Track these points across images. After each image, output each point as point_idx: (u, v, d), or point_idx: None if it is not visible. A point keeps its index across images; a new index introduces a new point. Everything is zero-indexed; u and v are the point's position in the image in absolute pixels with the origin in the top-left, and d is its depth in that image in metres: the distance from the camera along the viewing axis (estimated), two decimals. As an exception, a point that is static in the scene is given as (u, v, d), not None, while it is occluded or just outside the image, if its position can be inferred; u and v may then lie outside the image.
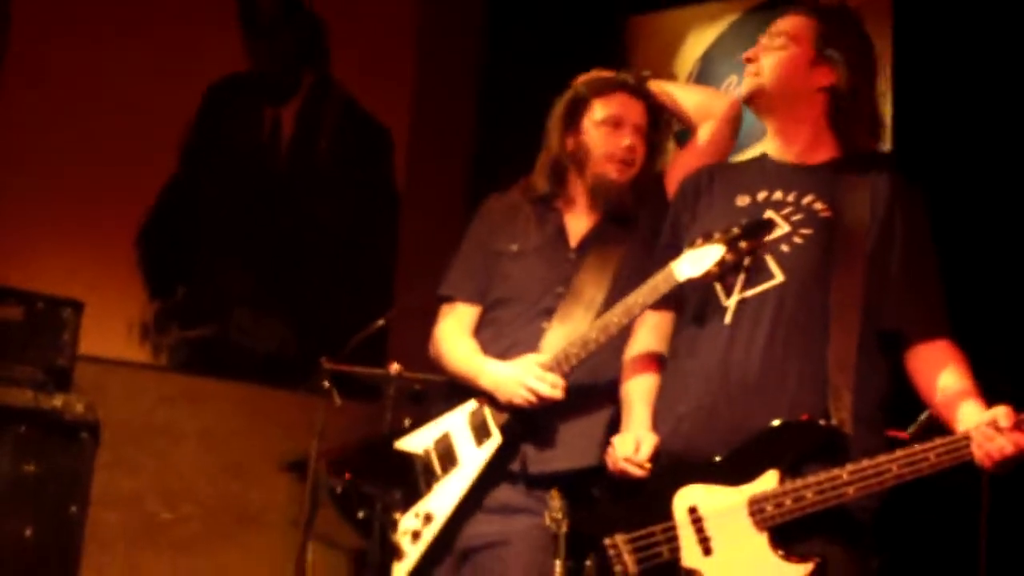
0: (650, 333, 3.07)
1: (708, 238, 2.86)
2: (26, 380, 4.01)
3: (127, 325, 5.05)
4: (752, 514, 2.64)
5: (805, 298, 2.79)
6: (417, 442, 3.28)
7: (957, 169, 4.59)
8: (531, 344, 3.21)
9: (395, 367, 4.10)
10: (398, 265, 5.80)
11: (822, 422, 2.66)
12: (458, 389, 3.29)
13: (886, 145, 4.98)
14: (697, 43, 5.75)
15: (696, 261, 2.88)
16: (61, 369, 4.09)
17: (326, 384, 4.26)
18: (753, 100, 2.98)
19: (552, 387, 3.08)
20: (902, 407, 2.97)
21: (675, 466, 2.78)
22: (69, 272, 4.82)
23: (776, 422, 2.68)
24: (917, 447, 2.57)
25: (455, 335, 3.36)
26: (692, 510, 2.71)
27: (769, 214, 2.87)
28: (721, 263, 2.83)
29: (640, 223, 3.32)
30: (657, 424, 2.88)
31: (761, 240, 2.82)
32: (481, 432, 3.19)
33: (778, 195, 2.90)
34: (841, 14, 3.04)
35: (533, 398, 3.09)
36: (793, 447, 2.67)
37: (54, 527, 3.94)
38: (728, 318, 2.82)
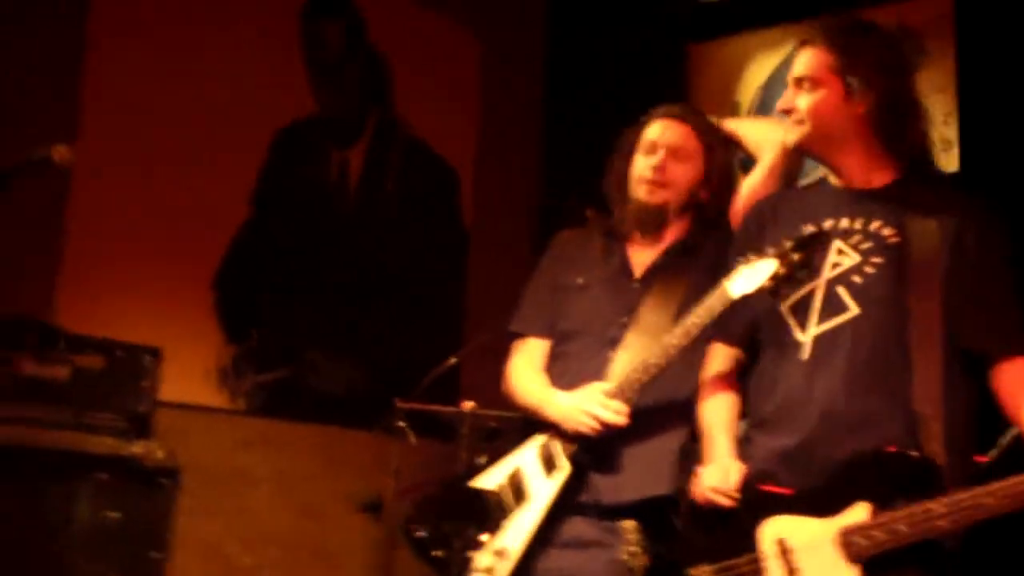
0: (722, 364, 3.05)
1: (760, 254, 2.87)
2: (107, 428, 4.05)
3: (204, 371, 5.11)
4: (843, 546, 2.60)
5: (883, 329, 2.76)
6: (491, 479, 3.30)
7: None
8: (598, 374, 3.23)
9: (468, 405, 4.11)
10: (468, 303, 5.84)
11: (913, 453, 2.63)
12: (531, 424, 3.32)
13: (953, 165, 4.97)
14: (759, 70, 5.74)
15: (749, 277, 2.89)
16: (141, 416, 4.12)
17: (400, 424, 4.29)
18: (804, 148, 2.97)
19: (616, 413, 3.11)
20: (982, 429, 2.94)
21: (762, 497, 2.76)
22: (148, 320, 4.87)
23: (863, 453, 2.65)
24: (1014, 479, 2.50)
25: (526, 370, 3.40)
26: (780, 542, 2.68)
27: (838, 244, 2.86)
28: (775, 277, 2.84)
29: (704, 252, 3.32)
30: (742, 458, 2.87)
31: (814, 251, 2.82)
32: (550, 464, 3.21)
33: (844, 223, 2.88)
34: (854, 30, 2.98)
35: (597, 425, 3.12)
36: (883, 479, 2.63)
37: (136, 574, 3.98)
38: (806, 354, 2.81)
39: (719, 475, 2.81)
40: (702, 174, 3.36)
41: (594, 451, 3.17)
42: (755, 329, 2.99)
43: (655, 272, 3.35)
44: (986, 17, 4.91)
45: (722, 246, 3.22)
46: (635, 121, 3.48)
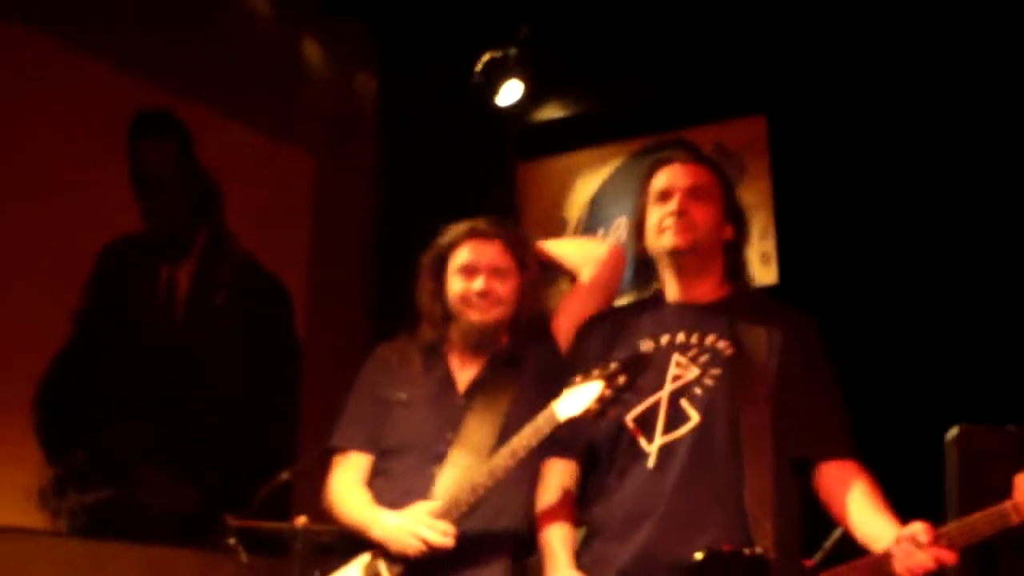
0: (560, 478, 3.10)
1: (587, 375, 2.93)
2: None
3: (24, 492, 4.92)
4: None
5: (720, 437, 2.87)
6: None
7: (841, 296, 4.75)
8: (423, 491, 3.20)
9: (301, 520, 4.04)
10: (301, 417, 5.77)
11: (746, 550, 2.71)
12: (356, 541, 3.26)
13: (772, 278, 5.17)
14: (585, 187, 5.91)
15: (576, 399, 2.94)
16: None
17: (231, 541, 4.19)
18: (689, 252, 3.04)
19: (443, 535, 3.06)
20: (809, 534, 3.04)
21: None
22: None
23: (700, 554, 2.72)
24: (841, 568, 2.67)
25: (348, 486, 3.35)
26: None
27: (676, 358, 2.96)
28: (601, 399, 2.90)
29: (526, 365, 3.35)
30: (585, 567, 2.90)
31: (638, 373, 2.90)
32: None
33: (681, 337, 3.00)
34: (709, 158, 3.22)
35: (423, 547, 3.07)
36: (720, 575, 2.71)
37: None
38: (651, 462, 2.89)
39: None
40: (520, 287, 3.39)
41: (420, 572, 3.12)
42: (592, 442, 3.06)
43: (478, 386, 3.36)
44: (799, 137, 5.17)
45: (544, 356, 3.32)
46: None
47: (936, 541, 2.59)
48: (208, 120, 5.72)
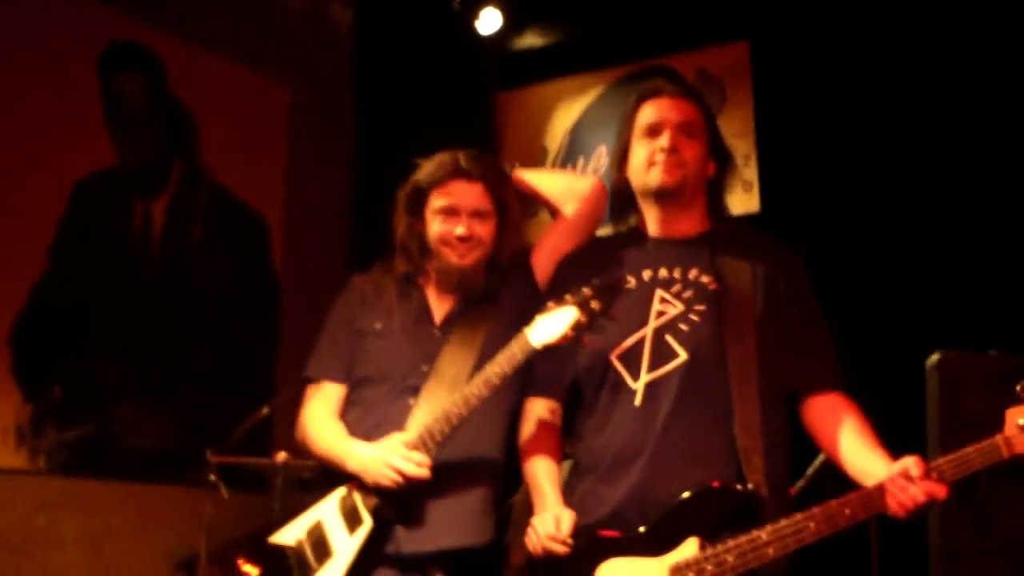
0: (542, 417, 3.09)
1: (560, 301, 2.90)
2: None
3: (1, 430, 4.90)
4: None
5: (708, 372, 2.85)
6: (290, 534, 3.19)
7: (822, 224, 4.74)
8: (398, 422, 3.18)
9: (282, 456, 4.05)
10: (280, 352, 5.76)
11: (739, 487, 2.71)
12: (331, 474, 3.23)
13: (754, 205, 5.15)
14: (565, 116, 5.86)
15: (550, 326, 2.92)
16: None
17: (212, 477, 4.19)
18: (672, 189, 2.99)
19: (418, 465, 3.05)
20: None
21: (595, 542, 2.80)
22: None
23: (690, 491, 2.73)
24: (833, 502, 2.64)
25: (321, 418, 3.33)
26: (615, 584, 2.72)
27: (660, 293, 2.94)
28: (576, 326, 2.88)
29: (503, 300, 3.33)
30: (575, 504, 2.89)
31: (613, 298, 2.87)
32: (352, 518, 3.13)
33: (663, 272, 2.97)
34: (704, 96, 3.14)
35: (399, 478, 3.05)
36: (711, 513, 2.71)
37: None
38: (638, 400, 2.87)
39: (551, 524, 2.84)
40: (500, 228, 3.35)
41: (396, 503, 3.11)
42: (575, 381, 3.05)
43: (454, 320, 3.34)
44: (781, 64, 5.13)
45: (520, 292, 3.29)
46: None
47: (927, 475, 2.59)
48: (182, 51, 5.65)
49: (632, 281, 2.98)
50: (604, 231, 3.36)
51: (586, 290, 2.89)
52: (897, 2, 4.83)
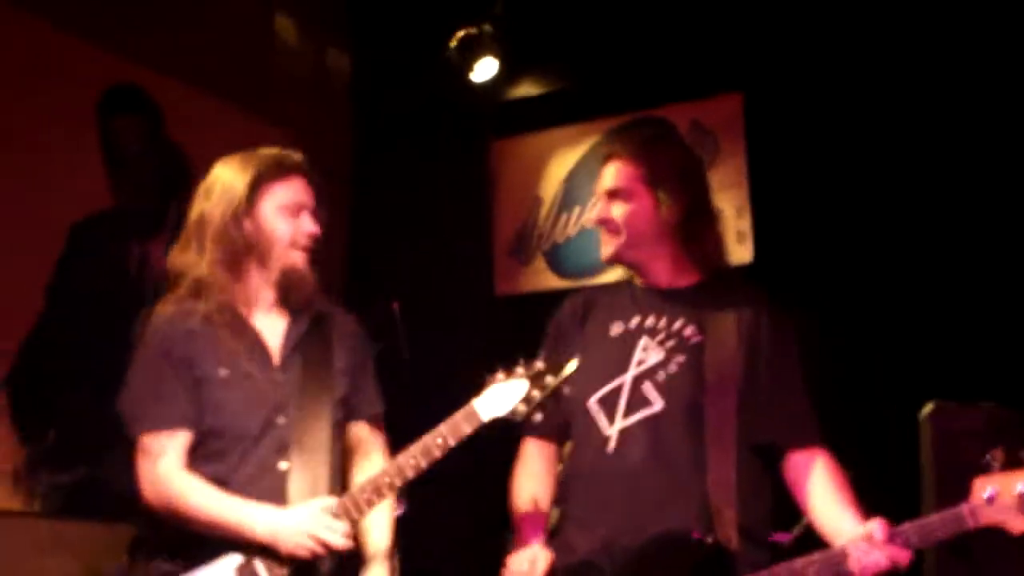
0: (532, 455, 3.13)
1: (510, 372, 2.85)
2: None
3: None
4: None
5: (683, 424, 2.87)
6: None
7: (816, 276, 4.77)
8: (275, 488, 2.94)
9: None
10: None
11: (709, 539, 2.72)
12: (202, 539, 2.93)
13: (747, 256, 5.18)
14: (561, 165, 5.89)
15: (500, 398, 2.82)
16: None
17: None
18: (619, 257, 3.07)
19: (344, 536, 2.86)
20: (783, 510, 3.05)
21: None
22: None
23: (661, 540, 2.75)
24: (798, 561, 2.66)
25: (189, 477, 2.99)
26: (585, 624, 2.73)
27: (644, 341, 2.96)
28: (528, 400, 2.81)
29: (337, 326, 3.12)
30: (558, 551, 2.91)
31: (564, 376, 2.82)
32: None
33: (650, 321, 3.00)
34: (656, 142, 3.13)
35: (321, 550, 2.86)
36: (679, 564, 2.73)
37: None
38: (611, 447, 2.89)
39: (525, 564, 2.86)
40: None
41: (309, 573, 2.90)
42: (567, 422, 3.07)
43: (295, 349, 3.06)
44: (775, 116, 5.17)
45: (347, 317, 3.16)
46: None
47: (891, 540, 2.58)
48: (179, 94, 5.66)
49: (620, 327, 3.01)
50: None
51: (538, 364, 2.84)
52: (890, 56, 4.87)
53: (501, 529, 3.26)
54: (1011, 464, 2.52)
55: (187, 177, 5.69)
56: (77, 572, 4.89)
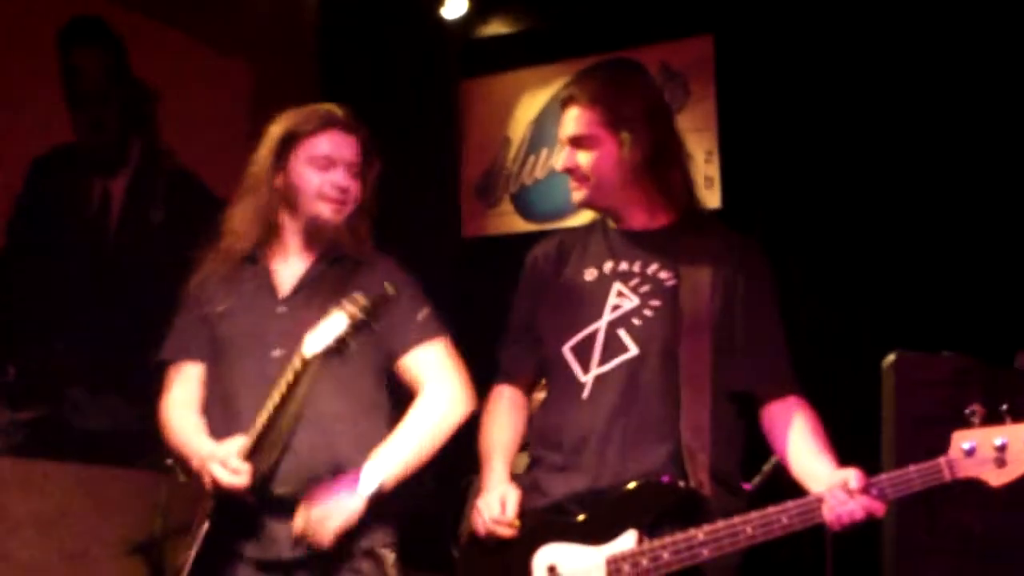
0: (502, 398, 3.11)
1: (338, 305, 2.85)
2: None
3: (-45, 411, 4.85)
4: (610, 573, 2.69)
5: (658, 369, 2.85)
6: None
7: (783, 222, 4.77)
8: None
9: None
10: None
11: (681, 484, 2.72)
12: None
13: (715, 202, 5.17)
14: (529, 106, 5.85)
15: (323, 333, 2.84)
16: None
17: (168, 461, 4.15)
18: (589, 203, 3.03)
19: (233, 473, 2.90)
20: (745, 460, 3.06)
21: (537, 525, 2.82)
22: None
23: (634, 484, 2.74)
24: (771, 509, 2.63)
25: (177, 407, 3.19)
26: (551, 569, 2.75)
27: (618, 287, 2.93)
28: (349, 332, 2.82)
29: (366, 267, 3.17)
30: (525, 490, 2.91)
31: (381, 311, 2.84)
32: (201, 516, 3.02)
33: (624, 266, 2.97)
34: (617, 84, 3.05)
35: (211, 486, 2.94)
36: (651, 508, 2.72)
37: None
38: (586, 393, 2.88)
39: (497, 506, 2.85)
40: (364, 188, 3.21)
41: (227, 510, 2.96)
42: (539, 368, 3.07)
43: (304, 287, 3.16)
44: (745, 59, 5.14)
45: (384, 263, 3.19)
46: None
47: (867, 490, 2.57)
48: (143, 28, 5.59)
49: (594, 272, 2.99)
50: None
51: (360, 298, 2.84)
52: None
53: (468, 473, 3.28)
54: (991, 419, 2.52)
55: (150, 113, 5.64)
56: (48, 510, 4.88)
